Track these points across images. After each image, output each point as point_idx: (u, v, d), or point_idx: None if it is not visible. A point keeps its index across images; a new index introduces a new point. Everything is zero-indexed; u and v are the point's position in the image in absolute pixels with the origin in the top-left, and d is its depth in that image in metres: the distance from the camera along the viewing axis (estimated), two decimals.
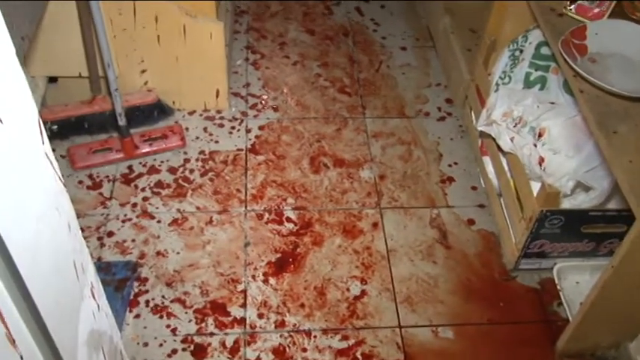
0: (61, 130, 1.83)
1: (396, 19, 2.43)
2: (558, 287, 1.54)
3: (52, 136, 1.81)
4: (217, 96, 1.97)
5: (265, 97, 2.06)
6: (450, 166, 1.89)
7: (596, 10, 1.50)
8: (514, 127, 1.57)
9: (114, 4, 1.71)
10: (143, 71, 1.88)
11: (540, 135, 1.51)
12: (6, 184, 0.70)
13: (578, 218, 1.47)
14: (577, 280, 1.57)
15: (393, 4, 2.49)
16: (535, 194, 1.49)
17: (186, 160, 1.84)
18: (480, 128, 1.69)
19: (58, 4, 1.65)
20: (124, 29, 1.77)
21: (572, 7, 1.52)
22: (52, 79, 1.88)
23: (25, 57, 1.69)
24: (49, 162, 0.82)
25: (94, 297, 1.02)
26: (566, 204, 1.50)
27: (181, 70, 1.89)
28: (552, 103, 1.55)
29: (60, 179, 0.86)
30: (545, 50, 1.62)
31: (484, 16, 1.87)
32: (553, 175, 1.48)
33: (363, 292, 1.56)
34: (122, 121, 1.77)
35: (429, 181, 1.84)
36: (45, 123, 0.69)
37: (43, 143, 0.80)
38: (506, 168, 1.66)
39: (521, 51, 1.67)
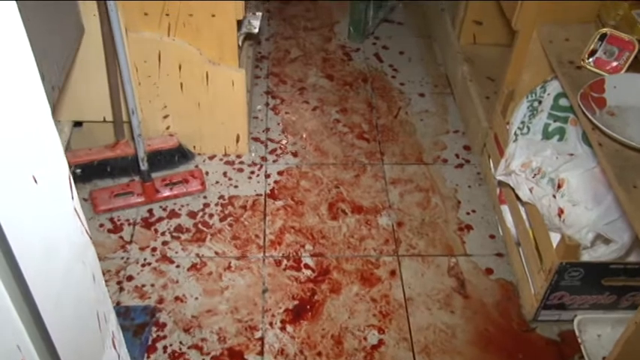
0: (84, 173, 1.86)
1: (415, 65, 2.46)
2: (579, 340, 1.52)
3: (76, 180, 1.84)
4: (237, 141, 2.00)
5: (284, 142, 2.09)
6: (468, 213, 1.89)
7: (614, 64, 1.51)
8: (533, 177, 1.57)
9: (140, 52, 1.75)
10: (166, 116, 1.92)
11: (559, 186, 1.51)
12: (36, 237, 0.72)
13: (598, 271, 1.46)
14: (598, 333, 1.55)
15: (411, 51, 2.53)
16: (554, 245, 1.49)
17: (206, 205, 1.86)
18: (498, 178, 1.70)
19: (88, 53, 1.70)
20: (149, 76, 1.82)
21: (590, 60, 1.54)
22: (77, 123, 1.92)
23: (54, 106, 1.74)
24: (77, 216, 0.84)
25: (115, 347, 1.03)
26: (586, 256, 1.49)
27: (203, 115, 1.92)
28: (571, 154, 1.56)
29: (87, 232, 0.88)
30: (563, 102, 1.63)
31: (502, 64, 1.90)
32: (572, 226, 1.48)
33: (381, 342, 1.55)
34: (144, 166, 1.80)
35: (447, 229, 1.84)
36: (69, 167, 0.71)
37: (73, 199, 0.82)
38: (524, 218, 1.66)
39: (540, 102, 1.68)
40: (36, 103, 0.65)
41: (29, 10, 1.22)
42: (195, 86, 1.85)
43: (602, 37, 1.54)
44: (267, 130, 2.13)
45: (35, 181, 0.67)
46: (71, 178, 0.78)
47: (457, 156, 2.08)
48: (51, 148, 0.71)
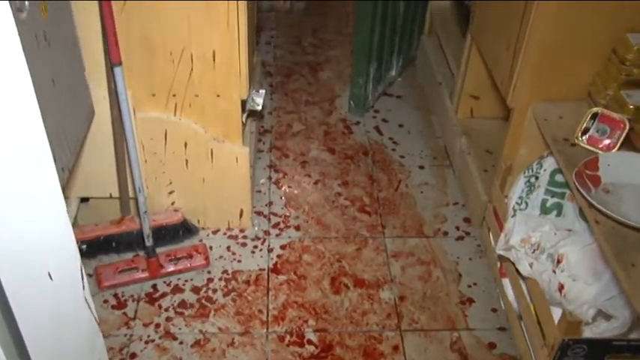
0: (90, 249, 1.88)
1: (414, 138, 2.52)
2: None
3: (81, 255, 1.86)
4: (241, 215, 2.03)
5: (287, 215, 2.12)
6: (469, 286, 1.90)
7: (607, 142, 1.56)
8: (532, 253, 1.60)
9: (147, 131, 1.81)
10: (171, 192, 1.96)
11: (559, 261, 1.54)
12: (48, 328, 0.74)
13: (601, 348, 1.46)
14: None
15: (410, 124, 2.59)
16: (556, 321, 1.50)
17: (210, 280, 1.88)
18: (498, 252, 1.72)
19: (97, 132, 1.75)
20: (155, 153, 1.87)
21: (583, 138, 1.59)
22: (84, 199, 1.96)
23: (63, 188, 1.78)
24: (87, 306, 0.86)
25: None
26: (587, 332, 1.50)
27: (207, 191, 1.96)
28: (569, 230, 1.59)
29: (96, 320, 0.90)
30: (559, 177, 1.67)
31: (499, 137, 1.95)
32: (573, 302, 1.49)
33: None
34: (149, 242, 1.82)
35: (449, 303, 1.84)
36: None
37: (84, 289, 0.84)
38: (525, 292, 1.67)
39: (537, 178, 1.72)
40: (55, 209, 0.69)
41: (43, 94, 1.28)
42: (200, 163, 1.90)
43: (594, 115, 1.60)
44: (270, 203, 2.17)
45: (50, 278, 0.70)
46: (83, 271, 0.81)
47: (457, 228, 2.10)
48: (66, 247, 0.74)
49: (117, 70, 1.57)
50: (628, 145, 1.56)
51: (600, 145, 1.56)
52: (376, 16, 2.43)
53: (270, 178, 2.28)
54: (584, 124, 1.60)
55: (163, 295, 1.83)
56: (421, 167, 2.37)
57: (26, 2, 1.19)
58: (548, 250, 1.56)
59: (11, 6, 0.74)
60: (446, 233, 2.08)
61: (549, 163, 1.72)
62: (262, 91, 2.07)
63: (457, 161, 2.30)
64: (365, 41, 2.45)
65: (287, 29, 3.23)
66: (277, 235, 2.04)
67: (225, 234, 2.04)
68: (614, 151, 1.54)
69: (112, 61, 1.56)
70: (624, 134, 1.55)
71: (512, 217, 1.73)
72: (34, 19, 1.25)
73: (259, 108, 2.01)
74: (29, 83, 0.80)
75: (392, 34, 2.64)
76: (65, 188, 1.85)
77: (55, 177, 0.72)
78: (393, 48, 2.71)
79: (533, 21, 1.64)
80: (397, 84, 2.84)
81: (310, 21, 3.31)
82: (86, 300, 0.85)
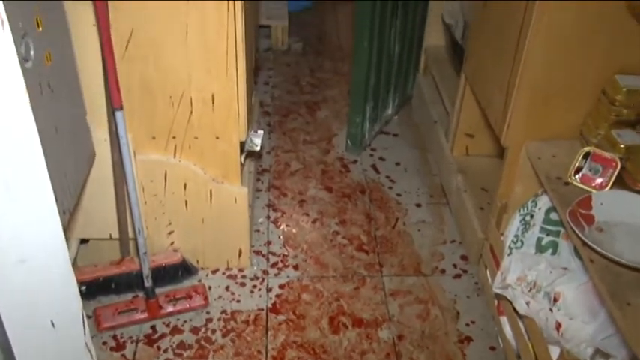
0: (89, 290, 1.89)
1: (411, 176, 2.55)
2: None
3: (81, 297, 1.87)
4: (240, 255, 2.05)
5: (286, 254, 2.13)
6: (467, 325, 1.90)
7: (599, 181, 1.59)
8: (529, 291, 1.61)
9: (147, 173, 1.83)
10: (170, 232, 1.97)
11: (555, 300, 1.55)
12: None
13: None
14: None
15: (407, 162, 2.62)
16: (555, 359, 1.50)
17: (209, 320, 1.88)
18: (495, 291, 1.73)
19: (97, 175, 1.77)
20: (155, 195, 1.89)
21: (576, 177, 1.62)
22: (84, 240, 1.97)
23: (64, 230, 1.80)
24: (88, 351, 0.87)
25: None
26: None
27: (206, 231, 1.98)
28: (565, 268, 1.60)
29: None
30: (554, 216, 1.70)
31: (494, 175, 1.98)
32: (571, 340, 1.50)
33: None
34: (148, 283, 1.83)
35: (447, 341, 1.85)
36: None
37: (85, 334, 0.86)
38: (523, 331, 1.68)
39: (532, 216, 1.75)
40: (59, 257, 0.71)
41: (46, 139, 1.31)
42: (200, 204, 1.92)
43: (586, 155, 1.63)
44: (269, 243, 2.18)
45: (53, 325, 0.72)
46: (85, 317, 0.83)
47: (455, 266, 2.12)
48: (69, 294, 0.76)
49: (118, 114, 1.60)
50: (620, 183, 1.58)
51: (593, 184, 1.59)
52: (372, 56, 2.48)
53: (268, 217, 2.30)
54: (577, 163, 1.63)
55: (162, 336, 1.83)
56: (418, 205, 2.39)
57: (32, 52, 1.23)
58: (544, 289, 1.58)
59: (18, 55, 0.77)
60: (443, 271, 2.10)
61: (544, 202, 1.74)
62: (260, 132, 2.10)
63: (453, 199, 2.33)
64: (361, 81, 2.49)
65: (285, 69, 3.28)
66: (276, 275, 2.05)
67: (224, 273, 2.05)
68: (606, 189, 1.57)
69: (113, 106, 1.59)
70: (616, 173, 1.58)
71: (509, 255, 1.74)
72: (38, 67, 1.29)
73: (257, 149, 2.04)
74: (35, 133, 0.83)
75: (388, 74, 2.69)
76: (66, 230, 1.86)
77: (58, 225, 0.75)
78: (389, 87, 2.76)
79: (525, 62, 1.69)
80: (393, 122, 2.88)
81: (307, 61, 3.37)
82: (87, 345, 0.86)
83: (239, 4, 1.59)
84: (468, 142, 2.37)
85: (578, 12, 1.59)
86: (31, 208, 0.68)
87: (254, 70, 2.54)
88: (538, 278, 1.60)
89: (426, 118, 2.76)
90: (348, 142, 2.66)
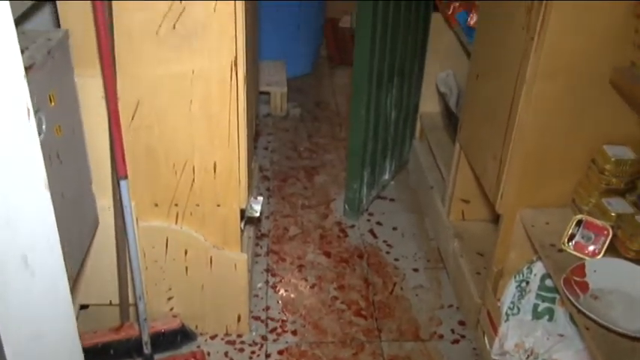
0: (87, 356, 1.88)
1: (408, 240, 2.58)
2: None
3: None
4: (239, 320, 2.05)
5: (284, 320, 2.14)
6: None
7: (592, 248, 1.62)
8: (527, 358, 1.62)
9: (149, 239, 1.87)
10: (170, 298, 1.99)
11: None
12: None
13: None
14: None
15: (404, 227, 2.66)
16: None
17: None
18: (494, 358, 1.74)
19: (99, 241, 1.80)
20: (156, 261, 1.91)
21: (570, 244, 1.66)
22: (84, 306, 1.99)
23: None
24: None
25: None
26: None
27: (206, 296, 2.00)
28: (561, 334, 1.62)
29: None
30: (549, 282, 1.72)
31: (490, 240, 2.01)
32: None
33: None
34: (147, 350, 1.84)
35: None
36: None
37: None
38: None
39: (527, 282, 1.77)
40: (69, 333, 0.73)
41: (53, 207, 1.34)
42: (200, 270, 1.94)
43: (579, 222, 1.67)
44: (267, 308, 2.19)
45: None
46: None
47: (453, 331, 2.12)
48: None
49: (123, 183, 1.64)
50: (612, 250, 1.62)
51: (586, 251, 1.62)
52: (369, 123, 2.55)
53: (267, 282, 2.32)
54: (570, 231, 1.67)
55: None
56: (415, 270, 2.42)
57: (43, 126, 1.28)
58: (542, 356, 1.59)
59: None
60: (441, 336, 2.10)
61: (539, 268, 1.77)
62: (260, 198, 2.15)
63: (450, 264, 2.35)
64: (358, 147, 2.56)
65: (283, 134, 3.36)
66: (275, 340, 2.06)
67: (222, 339, 2.05)
68: (599, 257, 1.60)
69: (118, 175, 1.64)
70: (608, 240, 1.62)
71: (506, 321, 1.76)
72: (49, 139, 1.34)
73: (257, 215, 2.08)
74: (49, 202, 0.87)
75: (384, 139, 2.76)
76: None
77: (67, 294, 0.77)
78: (385, 152, 2.82)
79: (517, 132, 1.75)
80: (390, 187, 2.93)
81: (306, 126, 3.46)
82: None
83: (242, 77, 1.66)
84: (463, 207, 2.42)
85: (566, 84, 1.66)
86: (46, 282, 0.71)
87: (254, 136, 2.61)
88: (535, 345, 1.62)
89: (422, 183, 2.81)
90: (346, 206, 2.70)
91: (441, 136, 2.80)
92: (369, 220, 2.70)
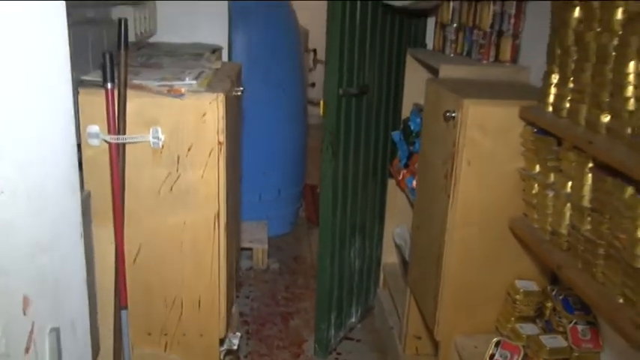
0: None
1: None
2: None
3: None
4: None
5: None
6: None
7: None
8: None
9: None
10: None
11: None
12: None
13: None
14: None
15: None
16: None
17: None
18: None
19: None
20: None
21: None
22: None
23: None
24: None
25: None
26: None
27: None
28: None
29: None
30: None
31: None
32: None
33: None
34: None
35: None
36: None
37: None
38: None
39: None
40: None
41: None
42: None
43: (498, 343, 2.03)
44: None
45: None
46: None
47: None
48: None
49: (123, 313, 2.02)
50: None
51: None
52: (334, 272, 2.96)
53: None
54: (491, 351, 2.03)
55: None
56: None
57: None
58: None
59: None
60: None
61: None
62: (238, 334, 2.50)
63: None
64: (325, 293, 2.94)
65: (264, 285, 3.74)
66: None
67: None
68: None
69: (120, 305, 2.02)
70: (521, 357, 1.98)
71: None
72: None
73: (235, 347, 2.42)
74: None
75: (350, 287, 3.15)
76: None
77: None
78: (351, 298, 3.20)
79: (445, 272, 2.16)
80: (358, 329, 3.27)
81: (284, 279, 3.85)
82: None
83: (223, 226, 2.09)
84: (417, 343, 2.76)
85: (479, 231, 2.12)
86: None
87: (236, 286, 2.99)
88: None
89: (384, 325, 3.16)
90: (316, 346, 3.02)
91: (400, 284, 3.19)
92: (336, 359, 3.01)
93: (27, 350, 0.83)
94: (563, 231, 1.77)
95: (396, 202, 3.22)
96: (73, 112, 1.05)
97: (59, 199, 1.00)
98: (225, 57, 3.25)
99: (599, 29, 1.57)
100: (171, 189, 2.05)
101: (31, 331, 0.84)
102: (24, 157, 0.87)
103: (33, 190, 0.89)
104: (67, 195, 1.03)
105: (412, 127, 2.91)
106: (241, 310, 3.38)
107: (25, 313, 0.83)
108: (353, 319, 3.26)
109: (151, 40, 3.14)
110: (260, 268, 3.95)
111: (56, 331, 0.93)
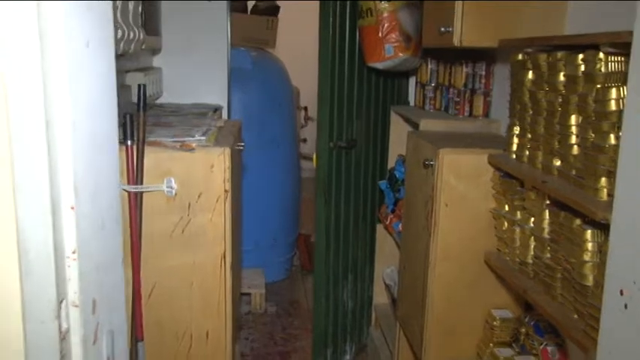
0: None
1: None
2: None
3: None
4: None
5: None
6: None
7: None
8: None
9: None
10: None
11: None
12: None
13: None
14: None
15: None
16: None
17: None
18: None
19: None
20: None
21: None
22: None
23: None
24: None
25: None
26: None
27: None
28: None
29: None
30: None
31: None
32: None
33: None
34: None
35: None
36: None
37: None
38: None
39: None
40: None
41: None
42: None
43: None
44: None
45: None
46: None
47: None
48: None
49: (140, 345, 2.23)
50: None
51: None
52: (329, 312, 3.19)
53: None
54: None
55: None
56: None
57: None
58: None
59: None
60: None
61: None
62: None
63: None
64: (321, 330, 3.17)
65: (262, 327, 3.95)
66: None
67: None
68: None
69: (137, 337, 2.24)
70: None
71: None
72: None
73: None
74: None
75: (344, 325, 3.37)
76: None
77: None
78: (345, 336, 3.41)
79: (429, 303, 2.40)
80: None
81: (281, 321, 4.05)
82: None
83: (229, 265, 2.34)
84: None
85: (458, 265, 2.37)
86: None
87: (237, 329, 3.20)
88: None
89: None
90: None
91: (391, 322, 3.42)
92: None
93: (94, 342, 1.06)
94: (529, 260, 2.03)
95: (385, 245, 3.47)
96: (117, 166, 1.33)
97: (115, 232, 1.27)
98: (224, 115, 3.55)
99: (547, 89, 1.87)
100: (182, 231, 2.30)
101: (97, 329, 1.08)
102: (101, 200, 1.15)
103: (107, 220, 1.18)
104: (116, 229, 1.30)
105: (397, 176, 3.19)
106: (242, 351, 3.58)
107: (93, 312, 1.07)
108: (348, 357, 3.46)
109: (158, 101, 3.44)
110: (258, 311, 4.15)
111: (111, 333, 1.17)
